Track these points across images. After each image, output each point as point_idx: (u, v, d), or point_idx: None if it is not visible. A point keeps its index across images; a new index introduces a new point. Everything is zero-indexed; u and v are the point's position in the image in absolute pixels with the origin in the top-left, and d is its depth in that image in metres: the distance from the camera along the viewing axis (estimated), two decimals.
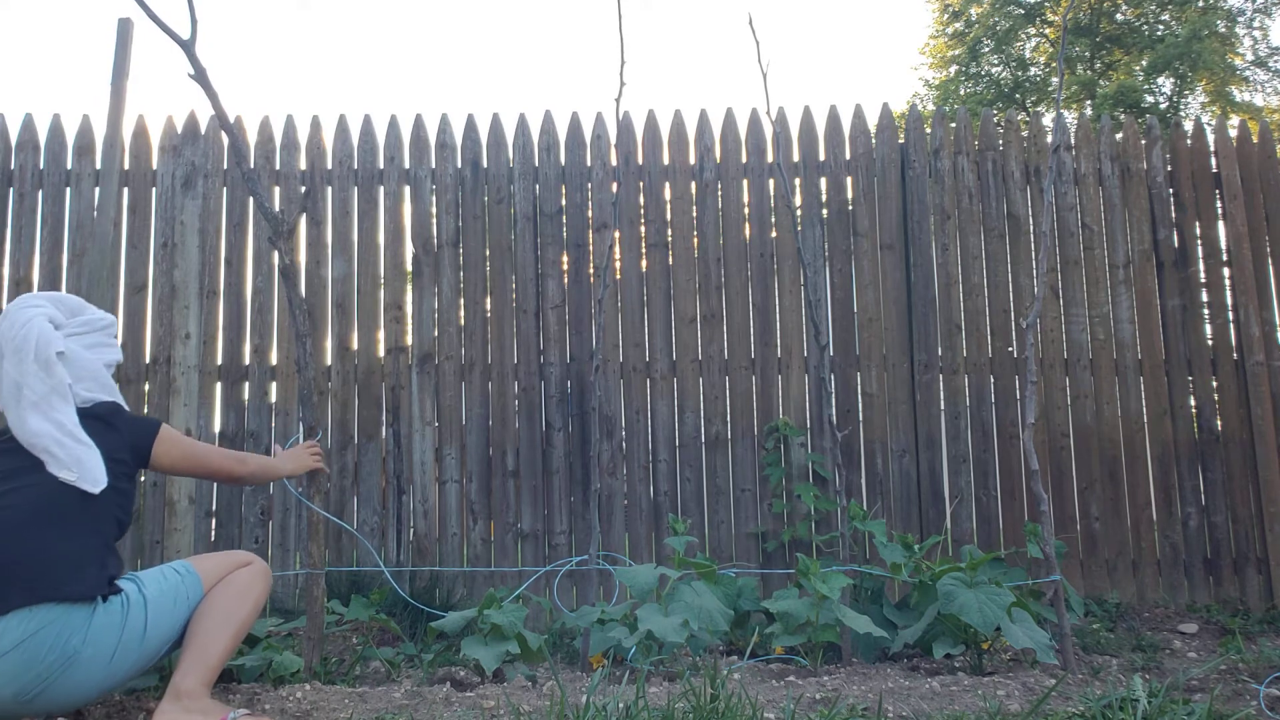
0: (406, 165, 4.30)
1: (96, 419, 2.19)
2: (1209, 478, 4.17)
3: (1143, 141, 4.40)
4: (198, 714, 2.00)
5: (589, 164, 4.32)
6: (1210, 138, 4.42)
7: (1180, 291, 4.28)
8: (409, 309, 4.19)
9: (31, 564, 1.96)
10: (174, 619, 2.13)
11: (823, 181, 4.34)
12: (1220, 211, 4.38)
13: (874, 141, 4.36)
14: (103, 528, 2.12)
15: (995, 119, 4.41)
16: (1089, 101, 16.14)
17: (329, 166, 4.27)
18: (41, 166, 4.23)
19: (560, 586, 3.99)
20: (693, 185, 4.31)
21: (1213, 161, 4.40)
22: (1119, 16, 17.52)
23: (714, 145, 4.33)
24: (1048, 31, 18.00)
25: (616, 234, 4.18)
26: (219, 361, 4.12)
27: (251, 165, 4.14)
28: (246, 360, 4.12)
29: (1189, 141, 4.42)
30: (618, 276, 4.24)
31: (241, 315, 4.15)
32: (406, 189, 4.29)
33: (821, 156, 4.35)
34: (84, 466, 2.08)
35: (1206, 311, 4.33)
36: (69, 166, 4.23)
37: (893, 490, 4.11)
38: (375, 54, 41.67)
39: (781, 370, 4.19)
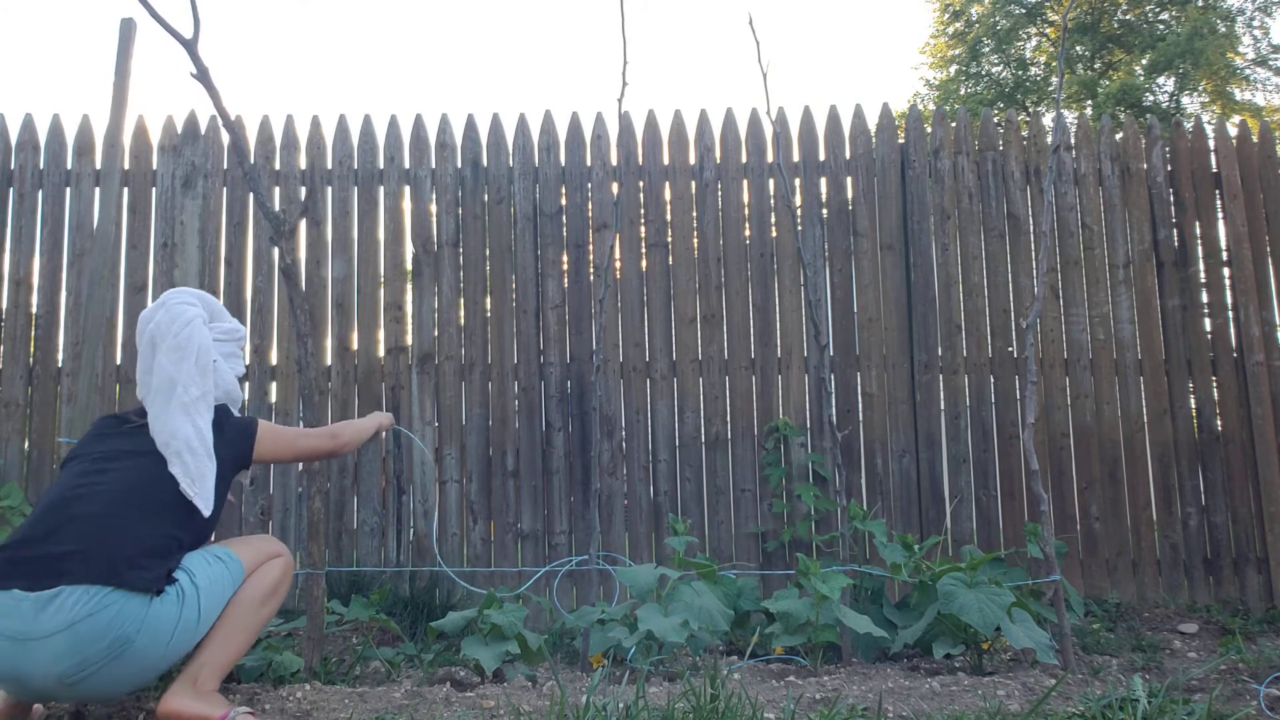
0: (406, 165, 4.30)
1: (215, 426, 2.24)
2: (1209, 478, 4.16)
3: (1143, 141, 4.40)
4: (204, 704, 2.02)
5: (589, 164, 4.32)
6: (1210, 137, 4.42)
7: (1180, 291, 4.28)
8: (409, 309, 4.19)
9: (106, 544, 1.95)
10: (220, 606, 2.13)
11: (823, 181, 4.34)
12: (1220, 211, 4.38)
13: (874, 141, 4.36)
14: (186, 531, 2.14)
15: (995, 119, 4.41)
16: (1089, 101, 16.13)
17: (329, 166, 4.27)
18: (41, 166, 4.23)
19: (560, 586, 3.99)
20: (693, 185, 4.31)
21: (1213, 161, 4.40)
22: (1120, 16, 17.51)
23: (714, 145, 4.33)
24: (1048, 31, 18.00)
25: (616, 234, 4.18)
26: None
27: (252, 165, 4.14)
28: (246, 360, 4.11)
29: (1189, 141, 4.42)
30: (618, 276, 4.24)
31: (241, 315, 4.14)
32: (406, 189, 4.29)
33: (821, 156, 4.35)
34: (204, 483, 2.14)
35: (1206, 311, 4.32)
36: (69, 166, 4.23)
37: (893, 490, 4.11)
38: (375, 54, 41.67)
39: (781, 370, 4.19)
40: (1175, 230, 4.35)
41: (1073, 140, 4.45)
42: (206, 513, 2.15)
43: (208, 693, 2.05)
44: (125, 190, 4.20)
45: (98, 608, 1.89)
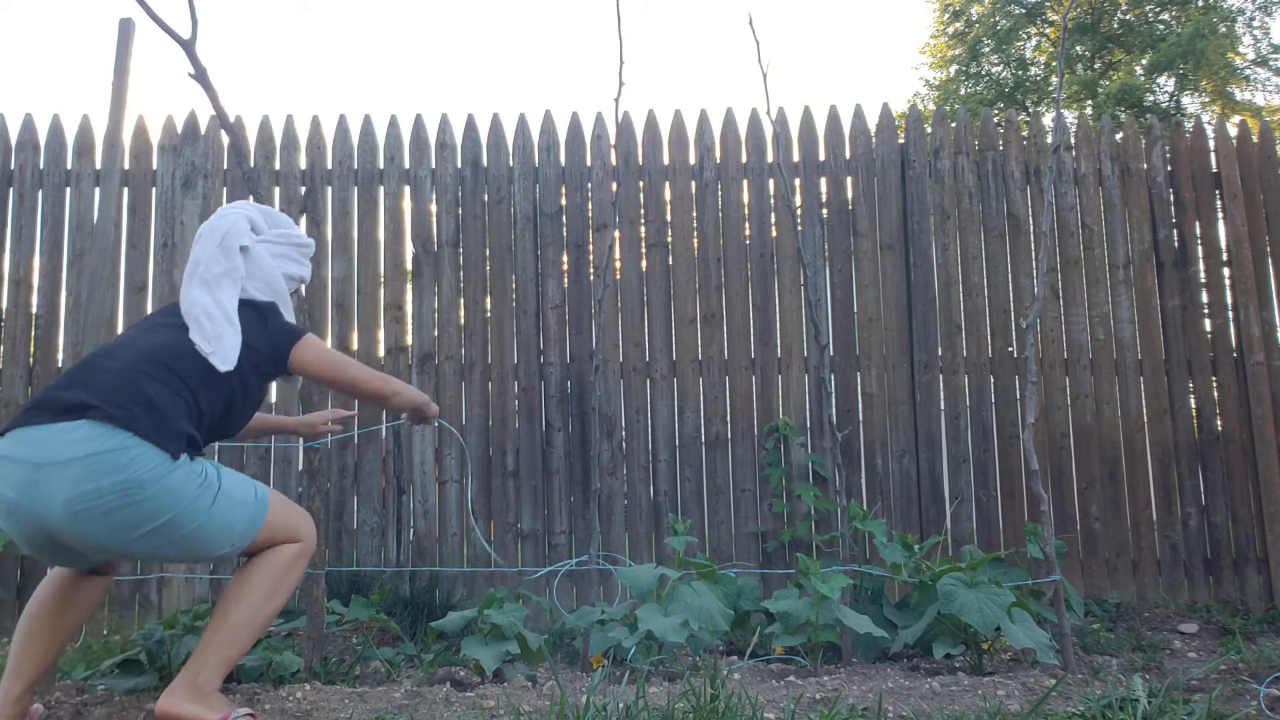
0: (406, 165, 4.30)
1: (253, 309, 2.27)
2: (1209, 478, 4.16)
3: (1143, 141, 4.40)
4: (203, 705, 2.00)
5: (589, 164, 4.32)
6: (1210, 137, 4.42)
7: (1180, 291, 4.28)
8: (409, 309, 4.19)
9: (132, 392, 2.00)
10: (225, 530, 2.05)
11: (823, 181, 4.34)
12: (1220, 211, 4.38)
13: (874, 141, 4.36)
14: (208, 404, 2.14)
15: (995, 119, 4.41)
16: (1089, 101, 16.13)
17: (329, 166, 4.27)
18: (41, 166, 4.23)
19: (560, 586, 3.99)
20: (693, 185, 4.31)
21: (1213, 161, 4.40)
22: (1120, 16, 17.51)
23: (714, 145, 4.33)
24: (1048, 31, 17.99)
25: (616, 234, 4.18)
26: None
27: (252, 165, 4.14)
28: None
29: (1189, 141, 4.42)
30: (618, 276, 4.24)
31: None
32: (406, 189, 4.29)
33: (821, 156, 4.35)
34: (222, 343, 2.15)
35: (1206, 311, 4.33)
36: (69, 166, 4.23)
37: (893, 490, 4.11)
38: (375, 54, 41.67)
39: (781, 370, 4.19)
40: (1175, 230, 4.35)
41: (1073, 140, 4.45)
42: (223, 368, 2.13)
43: (208, 694, 2.03)
44: (125, 190, 4.20)
45: (118, 445, 1.92)
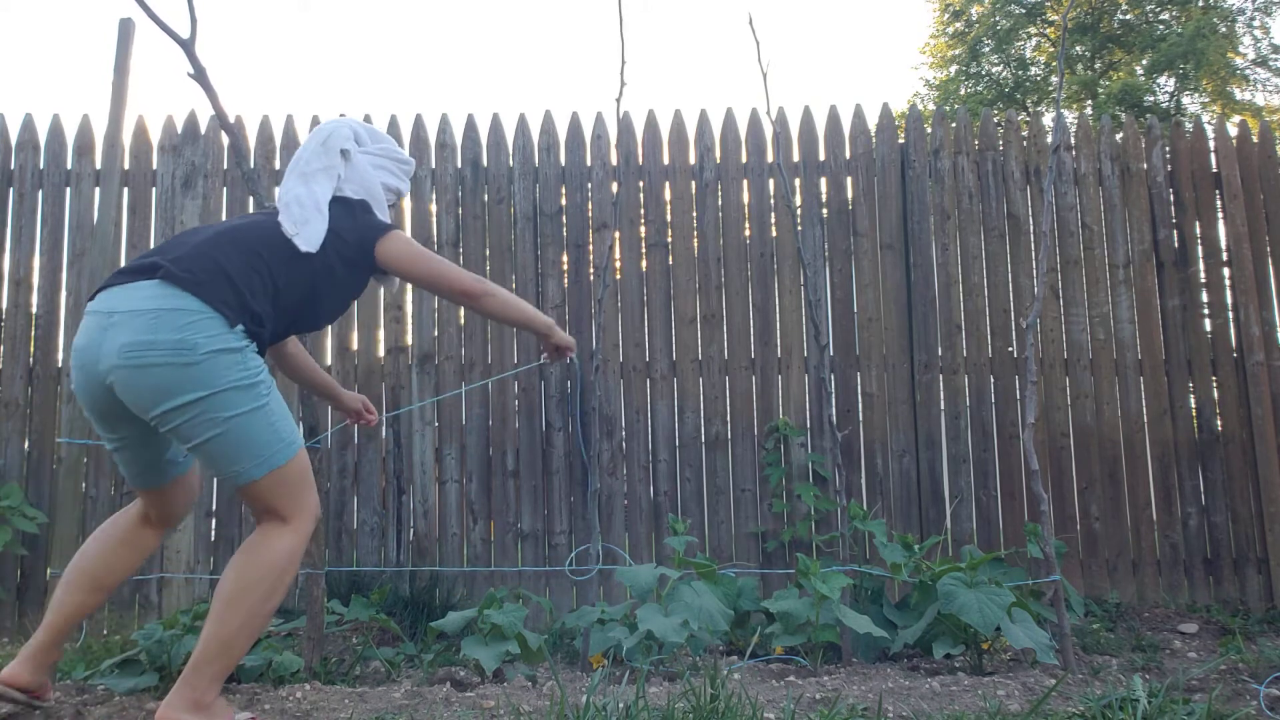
0: None
1: (344, 204, 2.33)
2: (1209, 478, 4.16)
3: (1143, 141, 4.40)
4: (203, 717, 1.98)
5: (589, 164, 4.31)
6: (1210, 137, 4.42)
7: (1180, 291, 4.28)
8: (409, 309, 4.19)
9: (203, 260, 2.06)
10: (246, 445, 2.02)
11: (823, 181, 4.34)
12: (1220, 211, 4.38)
13: (874, 141, 4.36)
14: (289, 287, 2.16)
15: (995, 119, 4.41)
16: (1090, 101, 16.14)
17: None
18: (41, 166, 4.23)
19: (560, 586, 3.99)
20: (693, 185, 4.31)
21: (1213, 161, 4.40)
22: (1120, 16, 17.51)
23: (714, 145, 4.33)
24: (1048, 31, 17.99)
25: (616, 234, 4.18)
26: None
27: (252, 165, 4.14)
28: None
29: (1189, 141, 4.41)
30: (618, 276, 4.24)
31: None
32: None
33: (821, 156, 4.35)
34: (308, 227, 2.20)
35: (1206, 311, 4.32)
36: (69, 166, 4.23)
37: (893, 490, 4.11)
38: (375, 54, 41.66)
39: (781, 370, 4.19)
40: (1175, 230, 4.35)
41: (1073, 140, 4.45)
42: (304, 248, 2.17)
43: (208, 704, 2.00)
44: (125, 190, 4.19)
45: (180, 306, 1.99)
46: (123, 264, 4.09)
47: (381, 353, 4.18)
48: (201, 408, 1.98)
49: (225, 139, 4.24)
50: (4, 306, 4.13)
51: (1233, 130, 4.44)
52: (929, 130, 4.45)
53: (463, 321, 4.21)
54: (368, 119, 4.33)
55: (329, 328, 4.14)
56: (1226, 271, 4.31)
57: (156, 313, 1.98)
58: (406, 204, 4.27)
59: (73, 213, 4.19)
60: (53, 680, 2.57)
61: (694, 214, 4.30)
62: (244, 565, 2.06)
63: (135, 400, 1.99)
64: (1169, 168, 4.40)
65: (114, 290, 2.06)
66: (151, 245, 4.17)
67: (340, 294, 2.31)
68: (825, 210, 4.35)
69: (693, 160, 4.33)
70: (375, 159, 2.45)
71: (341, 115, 2.54)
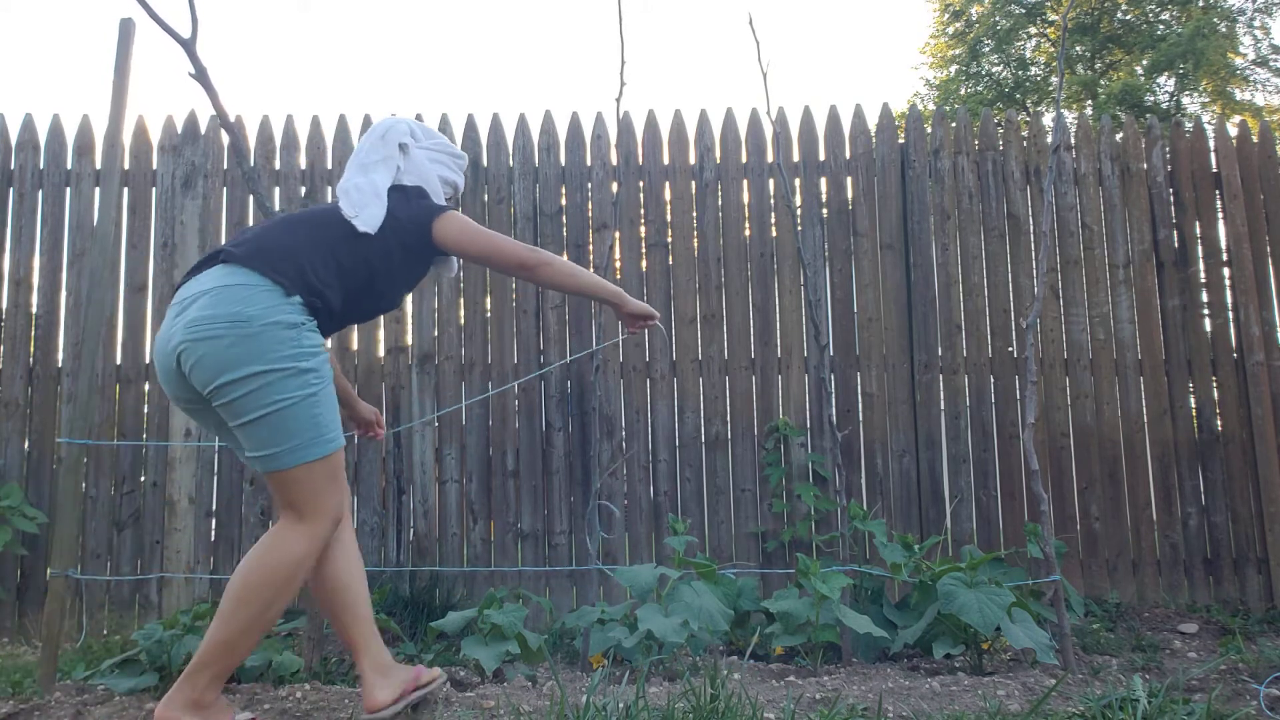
0: None
1: (401, 191, 2.39)
2: (1209, 478, 4.16)
3: (1143, 141, 4.40)
4: (201, 718, 1.98)
5: (589, 164, 4.31)
6: (1210, 137, 4.41)
7: (1180, 291, 4.28)
8: (409, 309, 4.19)
9: (265, 238, 2.16)
10: (286, 431, 2.03)
11: (823, 181, 4.34)
12: (1220, 211, 4.38)
13: (874, 141, 4.36)
14: (351, 269, 2.21)
15: (995, 119, 4.41)
16: (1090, 101, 16.13)
17: (329, 166, 4.27)
18: (41, 166, 4.23)
19: (560, 586, 3.99)
20: (693, 185, 4.31)
21: (1213, 161, 4.40)
22: (1120, 16, 17.51)
23: (714, 145, 4.33)
24: (1048, 31, 17.99)
25: (616, 234, 4.18)
26: None
27: (252, 165, 4.14)
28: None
29: (1189, 141, 4.41)
30: (618, 276, 4.24)
31: None
32: None
33: (821, 156, 4.35)
34: (367, 210, 2.26)
35: (1206, 311, 4.32)
36: (69, 166, 4.23)
37: (893, 490, 4.11)
38: (375, 54, 41.66)
39: (781, 370, 4.19)
40: (1175, 230, 4.35)
41: (1073, 140, 4.45)
42: (362, 228, 2.22)
43: (208, 705, 2.01)
44: (125, 190, 4.19)
45: (240, 281, 2.06)
46: (123, 264, 4.13)
47: (381, 352, 4.18)
48: (255, 384, 2.01)
49: (225, 139, 4.24)
50: (4, 306, 4.13)
51: (1233, 130, 4.44)
52: (929, 130, 4.45)
53: (462, 321, 4.21)
54: (368, 119, 4.33)
55: None
56: (1226, 271, 4.31)
57: (218, 289, 2.06)
58: None
59: (73, 213, 4.19)
60: (52, 682, 2.56)
61: (694, 214, 4.30)
62: (253, 568, 2.04)
63: (198, 374, 2.04)
64: (1169, 168, 4.40)
65: (190, 280, 2.16)
66: (151, 245, 4.17)
67: (400, 280, 2.35)
68: (825, 210, 4.35)
69: (693, 160, 4.33)
70: (431, 153, 2.50)
71: (394, 114, 2.61)
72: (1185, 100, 17.16)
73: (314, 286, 2.12)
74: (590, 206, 4.29)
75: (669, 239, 4.26)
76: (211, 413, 2.16)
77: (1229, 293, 4.29)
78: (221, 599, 2.05)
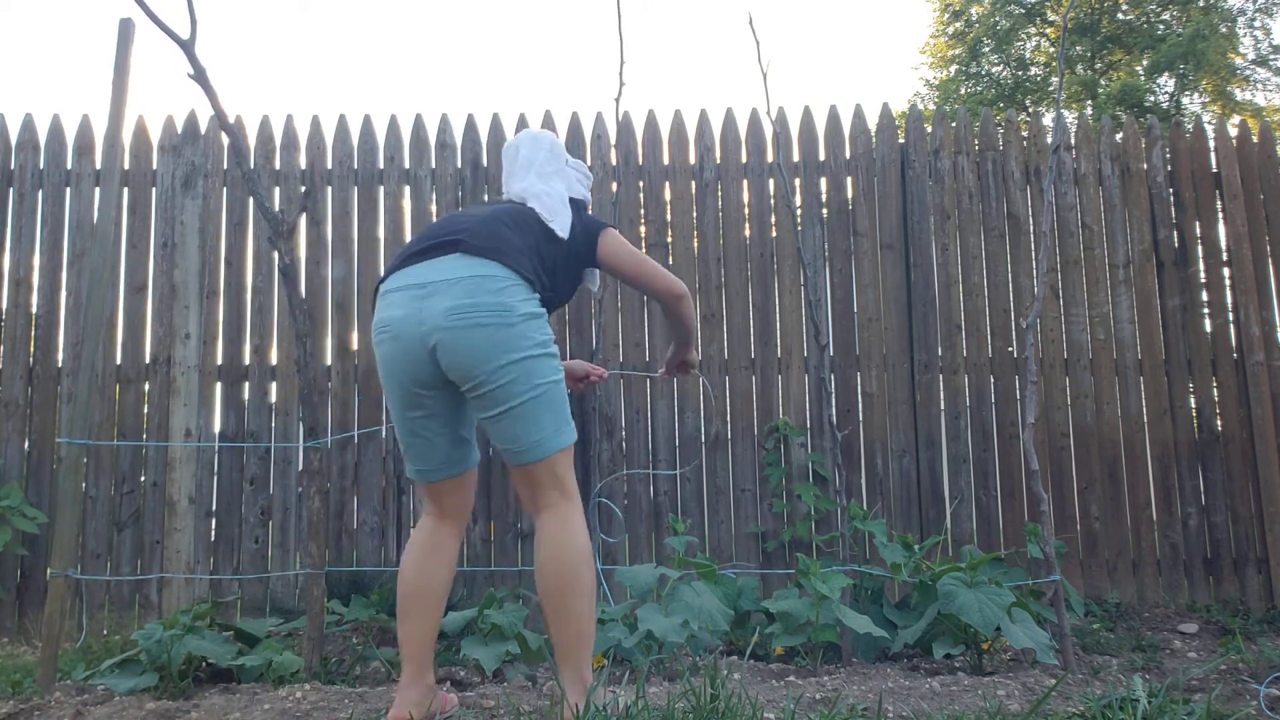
0: (406, 165, 4.29)
1: (573, 203, 2.46)
2: (1209, 478, 4.16)
3: (1143, 141, 4.40)
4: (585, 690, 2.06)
5: (589, 164, 4.31)
6: (1210, 137, 4.41)
7: (1180, 291, 4.28)
8: None
9: (495, 234, 2.19)
10: (541, 418, 2.12)
11: (823, 181, 4.34)
12: (1220, 211, 4.38)
13: (874, 141, 4.36)
14: (548, 255, 2.27)
15: (995, 119, 4.41)
16: (1090, 101, 16.14)
17: (329, 166, 4.27)
18: (41, 166, 4.23)
19: None
20: (693, 185, 4.31)
21: (1213, 161, 4.40)
22: (1120, 16, 17.51)
23: (714, 145, 4.33)
24: (1048, 31, 17.99)
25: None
26: (219, 361, 4.11)
27: (251, 165, 4.14)
28: (246, 360, 4.11)
29: (1189, 141, 4.41)
30: None
31: (241, 315, 4.14)
32: (406, 189, 4.28)
33: (821, 156, 4.35)
34: (559, 216, 2.34)
35: (1206, 311, 4.32)
36: (69, 166, 4.23)
37: (893, 490, 4.11)
38: (375, 54, 41.65)
39: (781, 370, 4.19)
40: (1175, 230, 4.35)
41: (1073, 140, 4.45)
42: (560, 234, 2.29)
43: (588, 679, 2.09)
44: (125, 190, 4.19)
45: (492, 273, 2.11)
46: (123, 264, 4.13)
47: None
48: (522, 369, 2.08)
49: (225, 139, 4.24)
50: (4, 306, 4.13)
51: (1233, 130, 4.44)
52: (929, 130, 4.45)
53: None
54: (368, 119, 4.33)
55: (329, 328, 4.15)
56: (1226, 271, 4.31)
57: (471, 279, 2.09)
58: (406, 204, 4.27)
59: (73, 213, 4.19)
60: (52, 682, 2.57)
61: (694, 214, 4.30)
62: (559, 558, 2.11)
63: (461, 360, 2.07)
64: (1169, 168, 4.40)
65: (416, 266, 2.16)
66: (151, 245, 4.17)
67: (564, 287, 2.40)
68: (825, 210, 4.35)
69: (693, 160, 4.33)
70: (572, 171, 2.56)
71: (541, 130, 2.65)
72: (1185, 100, 17.17)
73: (544, 283, 2.22)
74: (590, 206, 4.28)
75: (669, 239, 4.26)
76: (437, 402, 2.19)
77: (1229, 293, 4.29)
78: (543, 603, 2.13)
